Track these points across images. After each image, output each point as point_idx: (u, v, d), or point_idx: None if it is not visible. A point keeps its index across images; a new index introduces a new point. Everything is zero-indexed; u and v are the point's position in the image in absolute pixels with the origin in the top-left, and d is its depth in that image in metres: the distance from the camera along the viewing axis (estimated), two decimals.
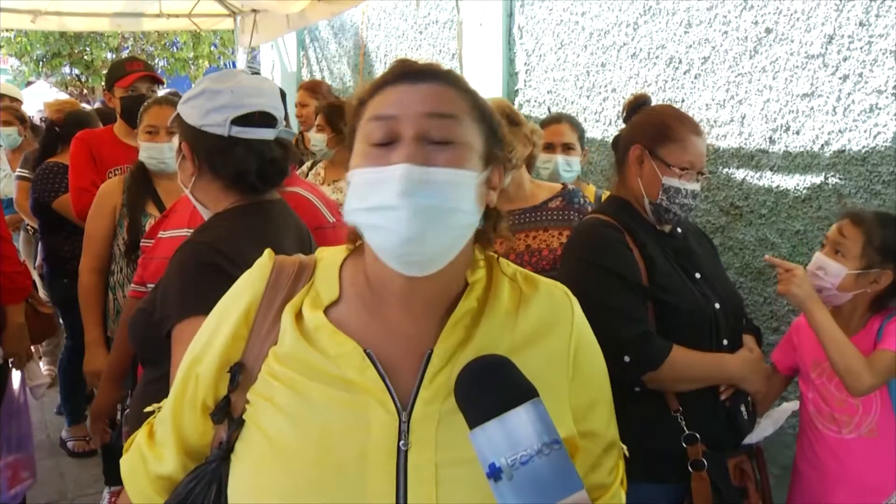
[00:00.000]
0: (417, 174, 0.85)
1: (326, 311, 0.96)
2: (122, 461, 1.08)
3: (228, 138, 1.59)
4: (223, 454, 0.96)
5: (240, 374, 0.96)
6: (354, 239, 0.98)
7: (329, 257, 1.02)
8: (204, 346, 1.01)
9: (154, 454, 1.04)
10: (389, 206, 0.85)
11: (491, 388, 0.76)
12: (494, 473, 0.71)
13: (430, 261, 0.89)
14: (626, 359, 1.73)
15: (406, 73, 0.93)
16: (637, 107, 2.06)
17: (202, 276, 1.41)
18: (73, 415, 4.10)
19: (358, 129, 0.94)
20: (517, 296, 0.99)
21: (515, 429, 0.72)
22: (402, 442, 0.86)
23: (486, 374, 0.78)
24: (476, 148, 0.92)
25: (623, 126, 2.10)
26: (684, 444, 1.80)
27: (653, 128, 1.93)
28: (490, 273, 1.00)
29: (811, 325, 1.96)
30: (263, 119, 1.63)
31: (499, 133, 0.97)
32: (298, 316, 0.96)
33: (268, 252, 1.05)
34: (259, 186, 1.65)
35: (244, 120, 1.60)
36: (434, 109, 0.89)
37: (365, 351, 0.91)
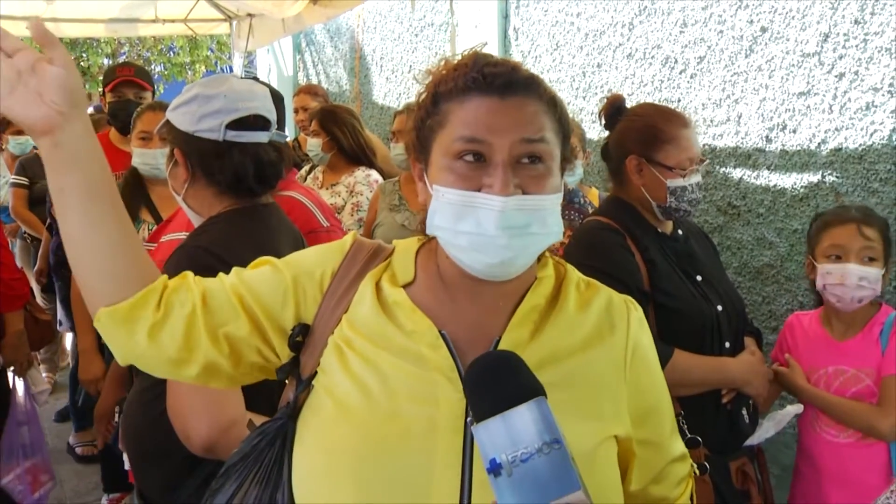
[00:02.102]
0: (513, 204, 0.89)
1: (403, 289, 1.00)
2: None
3: (223, 143, 1.58)
4: (290, 413, 0.99)
5: (307, 336, 1.01)
6: (424, 231, 1.01)
7: (405, 244, 1.07)
8: (276, 287, 1.02)
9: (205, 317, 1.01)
10: (485, 234, 0.89)
11: (497, 385, 0.78)
12: (494, 469, 0.72)
13: (514, 273, 0.95)
14: None
15: (492, 83, 0.92)
16: (615, 111, 2.00)
17: None
18: (80, 420, 4.08)
19: (437, 136, 0.95)
20: (580, 300, 1.03)
21: (518, 426, 0.73)
22: (469, 419, 0.89)
23: (494, 370, 0.80)
24: (557, 163, 0.96)
25: (606, 133, 2.05)
26: (686, 448, 1.79)
27: (642, 134, 1.89)
28: (559, 273, 1.05)
29: (814, 405, 2.00)
30: (258, 122, 1.63)
31: (570, 134, 1.01)
32: (378, 287, 1.01)
33: (352, 233, 1.11)
34: (256, 189, 1.65)
35: (238, 123, 1.59)
36: (526, 134, 0.91)
37: (439, 331, 0.95)
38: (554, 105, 0.96)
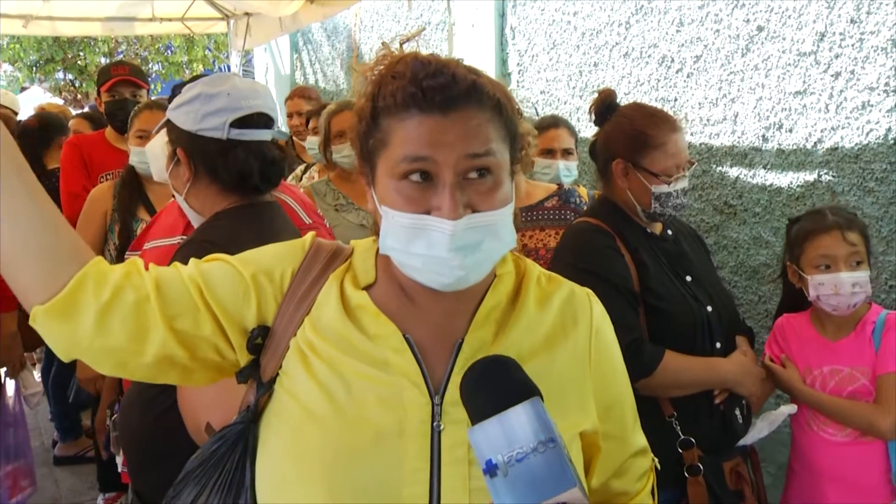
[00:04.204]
0: (463, 225, 0.86)
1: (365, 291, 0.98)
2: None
3: (227, 141, 1.58)
4: (251, 417, 0.97)
5: (266, 338, 0.98)
6: (378, 233, 0.99)
7: (365, 244, 1.04)
8: (236, 285, 0.98)
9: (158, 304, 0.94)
10: (438, 256, 0.87)
11: (492, 387, 0.78)
12: (490, 469, 0.72)
13: (469, 285, 0.93)
14: None
15: (433, 99, 0.87)
16: (606, 107, 1.98)
17: None
18: (67, 431, 4.01)
19: (380, 154, 0.92)
20: (541, 295, 1.01)
21: (513, 427, 0.74)
22: (435, 423, 0.89)
23: (489, 373, 0.80)
24: (506, 169, 0.93)
25: (596, 129, 2.03)
26: (680, 450, 1.79)
27: (629, 138, 1.87)
28: (519, 270, 1.03)
29: (811, 406, 2.00)
30: (261, 120, 1.63)
31: (518, 126, 0.97)
32: (341, 288, 0.98)
33: (311, 233, 1.07)
34: (261, 187, 1.66)
35: (242, 122, 1.59)
36: (471, 150, 0.88)
37: (403, 335, 0.94)
38: (499, 110, 0.92)
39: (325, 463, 0.88)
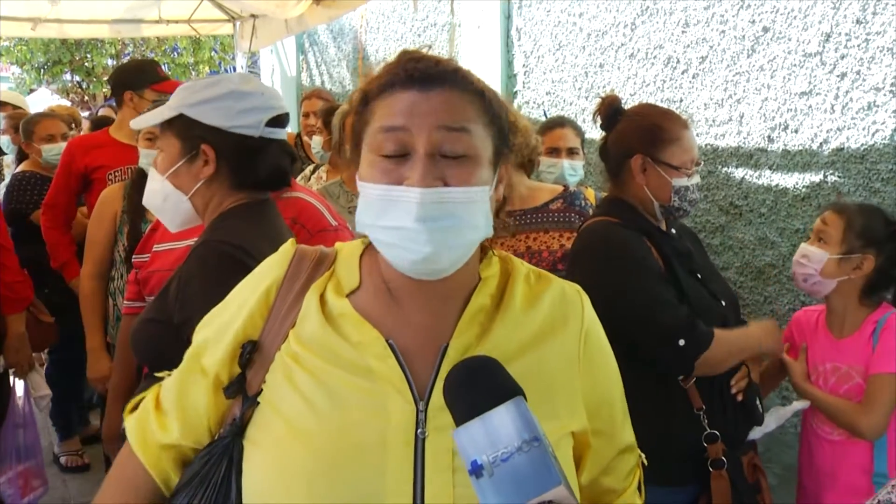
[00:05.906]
0: (432, 197, 0.86)
1: (348, 298, 0.98)
2: (128, 422, 1.09)
3: (260, 139, 1.60)
4: (236, 430, 0.97)
5: (254, 352, 0.98)
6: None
7: (349, 248, 1.04)
8: (224, 324, 1.02)
9: (159, 423, 1.04)
10: (405, 227, 0.87)
11: (475, 389, 0.78)
12: (476, 470, 0.73)
13: (443, 270, 0.92)
14: (681, 342, 1.69)
15: (416, 77, 0.90)
16: (613, 111, 1.99)
17: (225, 272, 1.38)
18: (65, 429, 4.00)
19: (365, 133, 0.93)
20: (530, 294, 1.00)
21: (497, 427, 0.74)
22: (419, 430, 0.88)
23: (472, 375, 0.80)
24: (487, 156, 0.93)
25: (603, 133, 2.04)
26: (704, 444, 1.79)
27: (647, 134, 1.89)
28: (505, 271, 1.02)
29: (809, 400, 2.03)
30: (283, 120, 1.68)
31: (507, 128, 0.98)
32: (322, 300, 0.98)
33: (291, 241, 1.07)
34: (287, 184, 1.71)
35: (273, 121, 1.62)
36: (446, 122, 0.88)
37: (387, 341, 0.93)
38: (481, 97, 0.93)
39: (308, 476, 0.88)
